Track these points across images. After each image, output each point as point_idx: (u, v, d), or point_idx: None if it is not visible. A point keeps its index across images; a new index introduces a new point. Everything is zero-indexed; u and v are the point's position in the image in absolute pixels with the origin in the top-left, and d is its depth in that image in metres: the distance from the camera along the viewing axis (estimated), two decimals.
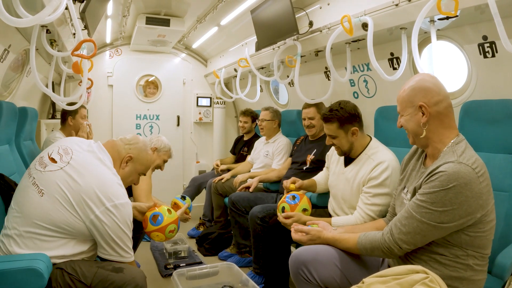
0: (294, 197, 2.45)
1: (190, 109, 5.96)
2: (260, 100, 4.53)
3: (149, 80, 5.79)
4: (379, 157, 2.35)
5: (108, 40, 5.36)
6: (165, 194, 5.09)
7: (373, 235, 1.73)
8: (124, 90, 5.64)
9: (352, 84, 3.36)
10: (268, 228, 2.82)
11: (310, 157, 3.35)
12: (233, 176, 4.25)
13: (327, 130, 2.49)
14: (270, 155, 4.07)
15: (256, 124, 4.79)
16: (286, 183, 2.65)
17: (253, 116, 4.77)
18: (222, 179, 4.23)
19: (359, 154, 2.46)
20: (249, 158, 4.48)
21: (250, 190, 3.57)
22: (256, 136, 4.78)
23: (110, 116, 5.59)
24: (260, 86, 4.57)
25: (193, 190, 4.96)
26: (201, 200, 4.97)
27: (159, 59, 5.77)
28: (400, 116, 1.77)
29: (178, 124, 5.87)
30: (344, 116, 2.41)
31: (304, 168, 3.36)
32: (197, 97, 5.93)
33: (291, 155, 3.75)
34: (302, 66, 3.50)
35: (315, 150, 3.36)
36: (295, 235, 2.00)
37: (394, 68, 2.87)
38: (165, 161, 3.38)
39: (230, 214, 3.60)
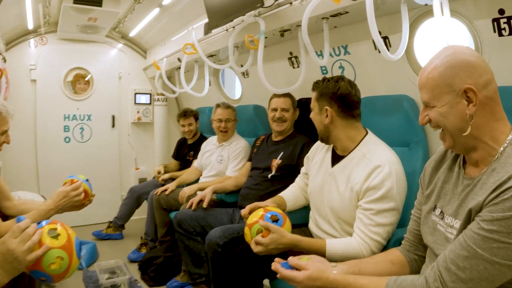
0: (276, 219, 1.82)
1: (127, 108, 5.20)
2: (208, 95, 3.87)
3: (79, 74, 4.95)
4: (377, 158, 1.80)
5: (30, 26, 4.45)
6: (101, 208, 4.41)
7: (410, 282, 1.17)
8: (50, 86, 4.78)
9: (324, 71, 2.80)
10: (232, 257, 2.18)
11: (276, 161, 2.73)
12: (180, 186, 3.56)
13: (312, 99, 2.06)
14: (225, 160, 3.41)
15: (198, 124, 4.17)
16: (245, 212, 2.03)
17: (195, 115, 4.13)
18: (165, 190, 3.51)
19: (351, 151, 1.92)
20: (195, 163, 3.79)
21: (204, 205, 2.85)
22: (202, 137, 4.12)
23: (33, 117, 4.71)
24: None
25: (132, 203, 4.24)
26: (141, 214, 4.26)
27: (91, 49, 4.96)
28: (426, 108, 1.23)
29: (113, 125, 5.09)
30: (325, 91, 1.95)
31: (269, 175, 2.73)
32: (135, 94, 5.17)
33: (249, 160, 3.12)
34: None
35: (282, 152, 2.75)
36: (285, 272, 1.40)
37: None
38: (4, 132, 2.07)
39: (177, 237, 2.89)
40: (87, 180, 2.14)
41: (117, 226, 4.31)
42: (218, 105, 3.46)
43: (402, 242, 1.54)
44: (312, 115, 2.03)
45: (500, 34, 1.80)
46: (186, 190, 3.15)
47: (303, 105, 2.92)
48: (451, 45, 1.30)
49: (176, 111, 5.40)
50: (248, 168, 3.04)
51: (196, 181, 3.65)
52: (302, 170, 2.30)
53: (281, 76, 3.24)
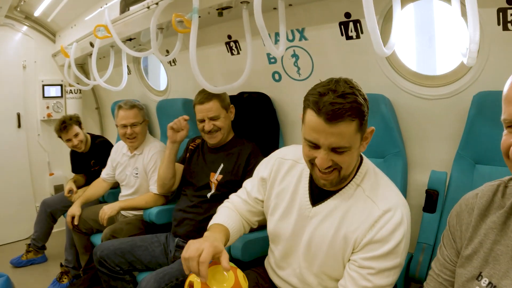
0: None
1: (35, 103, 4.32)
2: (129, 85, 3.23)
3: None
4: (385, 199, 1.29)
5: None
6: (15, 225, 3.94)
7: None
8: None
9: (272, 60, 2.27)
10: None
11: (216, 176, 2.18)
12: (87, 205, 2.94)
13: (335, 138, 1.20)
14: (141, 173, 2.75)
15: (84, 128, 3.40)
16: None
17: (76, 120, 3.30)
18: (73, 217, 2.83)
19: (345, 185, 1.36)
20: (102, 174, 3.06)
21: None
22: (95, 138, 3.42)
23: None
24: (127, 66, 3.24)
25: (46, 219, 3.49)
26: (63, 226, 3.54)
27: None
28: None
29: (19, 125, 4.23)
30: (365, 108, 1.23)
31: (209, 195, 2.18)
32: (43, 86, 4.31)
33: (181, 162, 2.48)
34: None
35: (222, 165, 2.19)
36: None
37: (349, 38, 1.84)
38: None
39: (100, 277, 2.26)
40: None
41: (38, 249, 3.57)
42: (119, 107, 2.73)
43: None
44: (347, 159, 1.24)
45: (505, 28, 1.44)
46: (107, 210, 2.51)
47: (245, 101, 2.38)
48: None
49: (93, 104, 4.74)
50: (180, 171, 2.43)
51: (115, 198, 3.00)
52: (252, 191, 1.63)
53: (216, 64, 2.67)
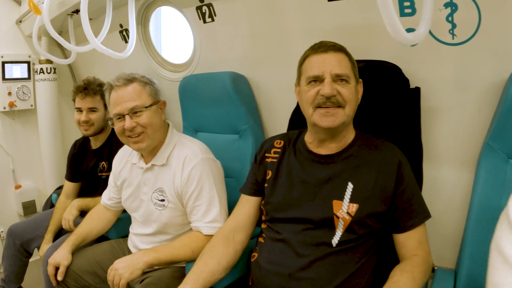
0: None
1: None
2: (127, 60, 2.15)
3: None
4: None
5: None
6: None
7: None
8: None
9: (407, 11, 1.39)
10: None
11: (346, 207, 1.16)
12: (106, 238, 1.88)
13: None
14: (171, 200, 1.61)
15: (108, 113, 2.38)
16: None
17: (102, 92, 2.26)
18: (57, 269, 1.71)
19: None
20: (103, 197, 1.96)
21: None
22: (114, 135, 2.30)
23: None
24: (125, 31, 2.23)
25: (14, 255, 2.43)
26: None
27: None
28: None
29: None
30: None
31: (334, 241, 1.15)
32: (3, 63, 3.27)
33: (256, 193, 1.42)
34: None
35: (352, 185, 1.19)
36: None
37: None
38: None
39: None
40: None
41: None
42: (110, 87, 1.64)
43: None
44: None
45: None
46: (122, 271, 1.34)
47: (360, 74, 1.38)
48: None
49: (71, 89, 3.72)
50: (252, 209, 1.41)
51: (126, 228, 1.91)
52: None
53: (295, 17, 1.66)
